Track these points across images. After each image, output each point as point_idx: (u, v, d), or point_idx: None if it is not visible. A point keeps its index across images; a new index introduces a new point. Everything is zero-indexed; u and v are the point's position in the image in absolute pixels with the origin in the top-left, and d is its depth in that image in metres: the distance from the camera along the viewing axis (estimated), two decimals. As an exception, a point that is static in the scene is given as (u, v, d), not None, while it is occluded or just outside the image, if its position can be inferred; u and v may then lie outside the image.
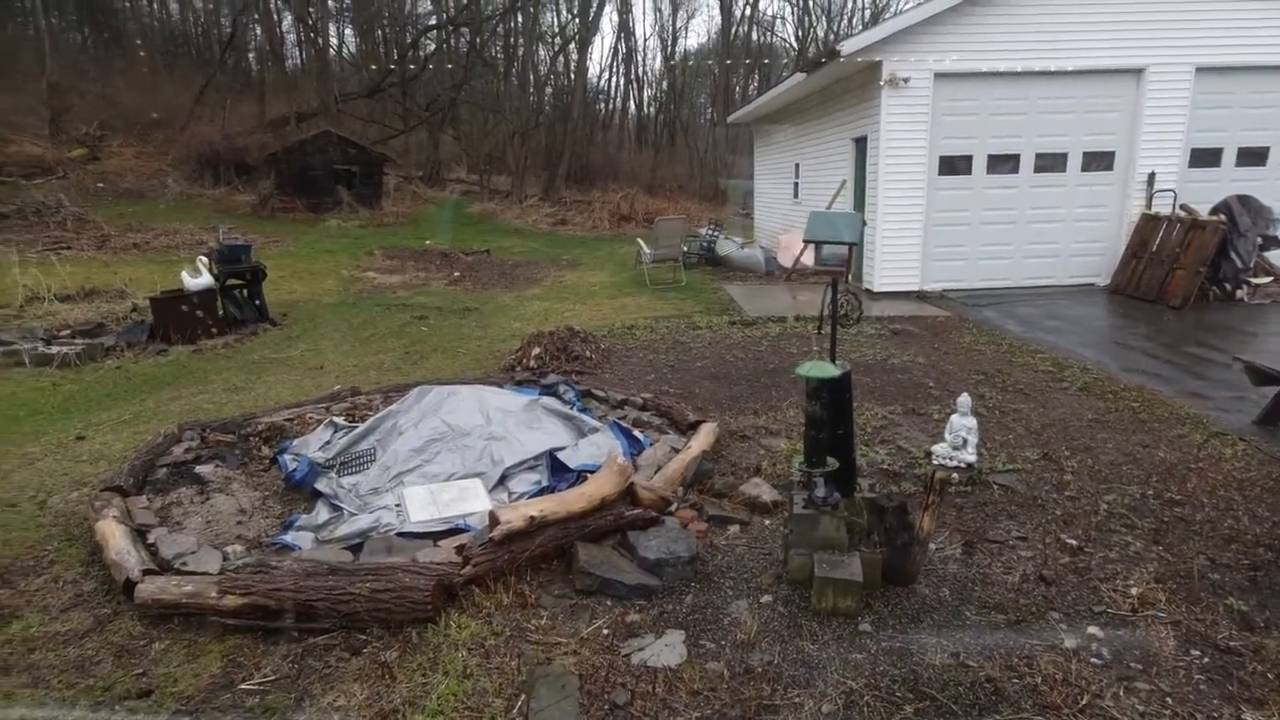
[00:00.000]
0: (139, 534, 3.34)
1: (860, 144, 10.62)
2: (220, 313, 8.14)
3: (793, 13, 37.37)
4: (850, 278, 3.15)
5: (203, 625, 2.80)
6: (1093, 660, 2.57)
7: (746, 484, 3.90)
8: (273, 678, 2.54)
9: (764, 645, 2.67)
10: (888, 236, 9.91)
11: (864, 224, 3.18)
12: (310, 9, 26.64)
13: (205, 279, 7.99)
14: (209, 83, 24.24)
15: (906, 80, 9.38)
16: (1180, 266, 8.84)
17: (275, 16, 28.76)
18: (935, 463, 4.10)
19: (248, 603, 2.76)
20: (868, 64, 9.55)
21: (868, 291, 10.01)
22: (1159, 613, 2.83)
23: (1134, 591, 2.96)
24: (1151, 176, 9.87)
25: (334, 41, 32.12)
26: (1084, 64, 9.54)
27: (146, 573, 2.97)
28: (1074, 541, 3.38)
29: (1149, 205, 9.88)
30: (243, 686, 2.50)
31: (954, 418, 4.11)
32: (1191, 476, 4.05)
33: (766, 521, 3.63)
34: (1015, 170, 9.97)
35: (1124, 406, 5.26)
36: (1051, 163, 9.97)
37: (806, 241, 3.08)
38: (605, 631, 2.76)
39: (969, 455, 4.06)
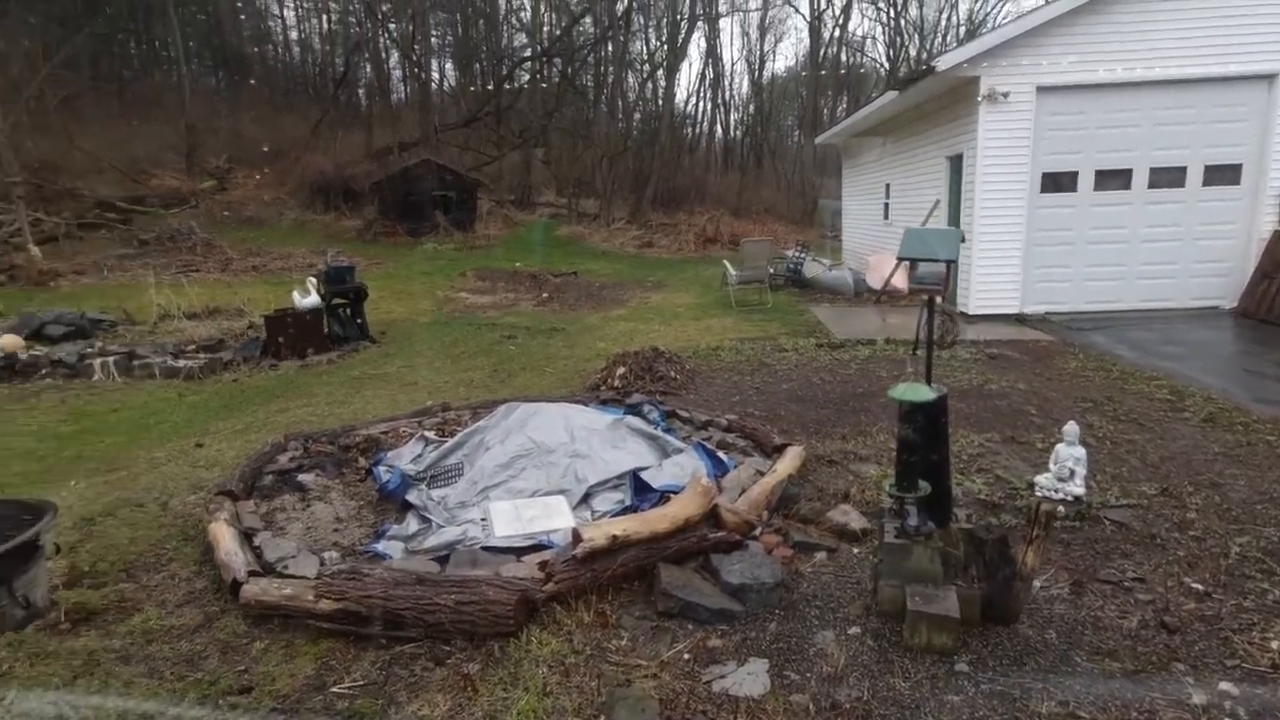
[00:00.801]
0: (246, 536, 3.54)
1: (955, 162, 10.26)
2: (325, 330, 8.62)
3: (884, 32, 36.67)
4: (945, 299, 3.02)
5: (299, 627, 2.93)
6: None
7: (834, 510, 3.77)
8: (362, 683, 2.62)
9: (852, 680, 2.55)
10: (985, 257, 9.49)
11: (963, 240, 3.04)
12: (415, 46, 28.21)
13: (313, 299, 8.50)
14: (323, 117, 26.01)
15: (1006, 95, 9.01)
16: (1322, 288, 8.05)
17: (384, 54, 30.64)
18: (1039, 494, 3.85)
19: (340, 608, 2.86)
20: (964, 79, 9.24)
21: (962, 314, 9.59)
22: (1304, 671, 2.53)
23: (1274, 645, 2.66)
24: (1286, 191, 9.07)
25: (435, 75, 33.88)
26: (1204, 71, 8.90)
27: (251, 574, 3.14)
28: (1200, 586, 3.08)
29: (1283, 222, 9.07)
30: (334, 689, 2.58)
31: (1060, 447, 3.85)
32: (1341, 520, 3.63)
33: (855, 550, 3.49)
34: (1127, 186, 9.37)
35: (1258, 440, 4.79)
36: (1168, 177, 9.31)
37: (901, 259, 2.98)
38: (686, 656, 2.71)
39: (1077, 487, 3.79)
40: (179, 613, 3.10)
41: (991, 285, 9.58)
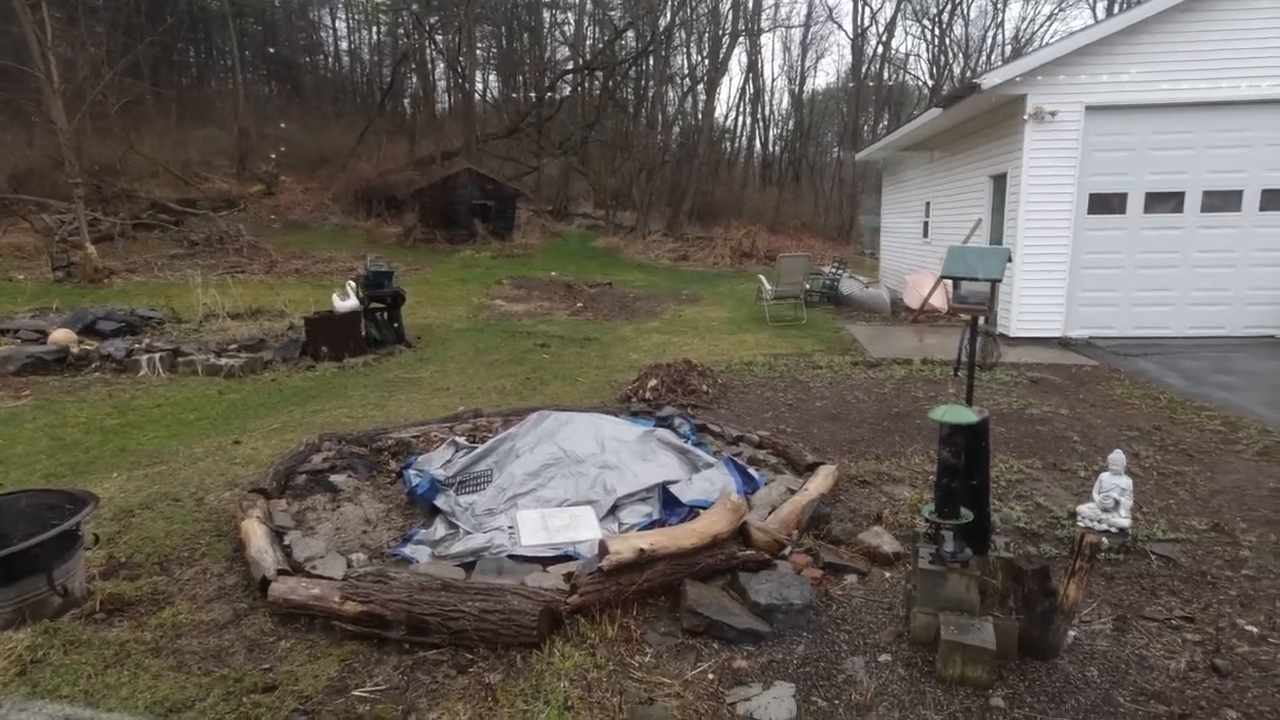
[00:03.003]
0: (277, 535, 3.58)
1: (999, 181, 10.07)
2: (363, 333, 8.74)
3: (928, 50, 36.34)
4: (986, 320, 2.93)
5: (325, 627, 2.94)
6: (1280, 772, 2.19)
7: (866, 532, 3.69)
8: (383, 687, 2.61)
9: (882, 709, 2.47)
10: (1028, 278, 9.27)
11: (1009, 260, 2.96)
12: (461, 58, 28.74)
13: (352, 302, 8.64)
14: (369, 125, 26.60)
15: (1053, 114, 8.84)
16: (1388, 320, 7.69)
17: (430, 65, 31.28)
18: (1082, 525, 3.72)
19: (365, 610, 2.87)
20: (1010, 97, 9.08)
21: (1003, 336, 9.38)
22: (1368, 724, 2.39)
23: (1334, 695, 2.52)
24: (1350, 218, 8.72)
25: (479, 86, 34.46)
26: (1262, 93, 8.63)
27: (280, 572, 3.17)
28: (1254, 629, 2.93)
29: (1346, 250, 8.72)
30: (355, 693, 2.58)
31: (1104, 476, 3.72)
32: None
33: (887, 574, 3.40)
34: (1179, 209, 9.10)
35: (1316, 477, 4.58)
36: (1223, 201, 9.02)
37: (944, 277, 2.91)
38: (710, 676, 2.66)
39: (1122, 519, 3.65)
40: (209, 608, 3.14)
41: (1034, 307, 9.35)
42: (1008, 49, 33.50)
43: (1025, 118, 8.89)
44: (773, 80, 51.01)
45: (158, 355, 7.70)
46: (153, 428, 5.85)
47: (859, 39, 33.85)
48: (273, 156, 23.39)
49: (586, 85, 30.95)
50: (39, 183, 17.94)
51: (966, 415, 2.67)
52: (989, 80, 8.91)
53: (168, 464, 4.96)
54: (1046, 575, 2.72)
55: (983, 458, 2.86)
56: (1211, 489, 4.41)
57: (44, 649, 2.76)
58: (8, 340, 8.25)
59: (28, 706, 2.45)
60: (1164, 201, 9.12)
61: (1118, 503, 3.66)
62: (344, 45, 39.37)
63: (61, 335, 8.11)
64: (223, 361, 7.72)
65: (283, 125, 26.71)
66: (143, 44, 22.02)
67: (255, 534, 3.46)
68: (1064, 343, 9.25)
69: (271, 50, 32.92)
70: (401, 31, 32.04)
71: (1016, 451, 5.10)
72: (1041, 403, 6.41)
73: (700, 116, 30.17)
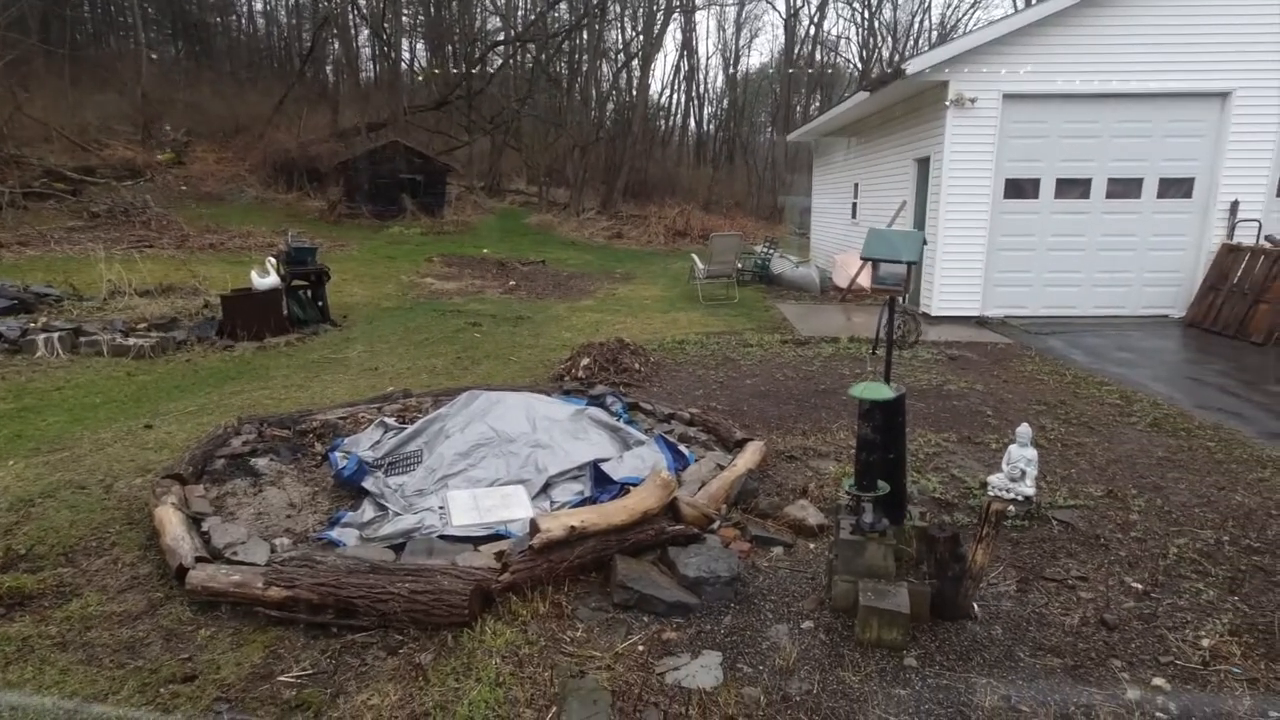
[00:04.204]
0: (194, 522, 3.44)
1: (923, 165, 10.41)
2: (285, 312, 8.41)
3: (858, 33, 37.10)
4: (907, 299, 3.06)
5: (248, 615, 2.86)
6: (1158, 715, 2.40)
7: (792, 505, 3.81)
8: (310, 672, 2.57)
9: (803, 673, 2.59)
10: (948, 259, 9.66)
11: (924, 243, 3.08)
12: (385, 24, 27.63)
13: (272, 279, 8.29)
14: (288, 93, 25.32)
15: (973, 100, 9.17)
16: (1264, 301, 8.36)
17: (352, 31, 29.96)
18: (991, 494, 3.94)
19: (291, 595, 2.81)
20: (933, 83, 9.37)
21: (925, 315, 9.76)
22: (1233, 668, 2.64)
23: (1205, 643, 2.77)
24: (1234, 206, 9.40)
25: (406, 55, 33.25)
26: (1163, 86, 9.17)
27: (198, 560, 3.06)
28: (1139, 585, 3.19)
29: (1231, 236, 9.40)
30: (281, 678, 2.53)
31: (1012, 448, 3.94)
32: (1272, 523, 3.78)
33: (811, 545, 3.53)
34: (1086, 195, 9.62)
35: (1198, 445, 4.97)
36: (1125, 188, 9.59)
37: (864, 259, 3.01)
38: (641, 648, 2.72)
39: (1027, 488, 3.88)
40: (121, 599, 3.01)
41: (954, 287, 9.76)
42: (934, 35, 34.48)
43: (947, 104, 9.20)
44: (707, 58, 51.12)
45: (56, 335, 7.22)
46: (53, 412, 5.51)
47: (792, 19, 34.20)
48: (171, 130, 21.99)
49: (518, 58, 30.30)
50: (-87, 146, 16.43)
51: (884, 392, 2.78)
52: (913, 66, 9.17)
53: (71, 450, 4.69)
54: (957, 541, 2.88)
55: (899, 432, 3.00)
56: (1108, 458, 4.74)
57: (-64, 647, 2.60)
58: (-116, 319, 7.59)
59: None
60: (1073, 187, 9.62)
61: (1024, 473, 3.89)
62: (258, 6, 37.29)
63: (-54, 313, 7.51)
64: (131, 342, 7.31)
65: (189, 90, 25.14)
66: (31, -3, 20.29)
67: (170, 521, 3.32)
68: (981, 321, 9.70)
69: (176, 9, 30.85)
70: (322, -7, 30.59)
71: (935, 426, 5.35)
72: (959, 379, 6.72)
73: (635, 93, 30.01)
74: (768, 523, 3.71)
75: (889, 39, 35.17)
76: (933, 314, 9.78)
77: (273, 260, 8.58)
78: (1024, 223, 9.68)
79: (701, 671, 2.58)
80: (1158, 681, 2.56)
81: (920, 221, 10.51)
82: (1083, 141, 9.45)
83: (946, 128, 9.30)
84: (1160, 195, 9.58)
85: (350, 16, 29.07)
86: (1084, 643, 2.79)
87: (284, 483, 4.13)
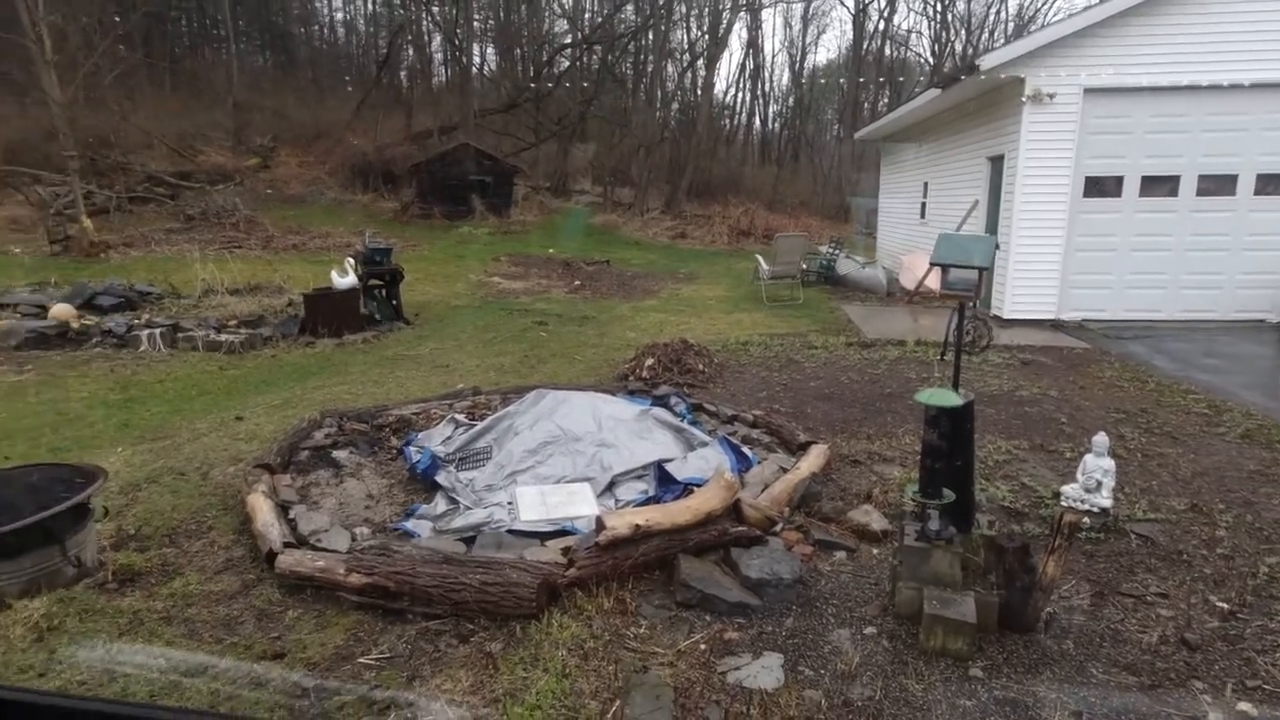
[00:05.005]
0: (282, 509, 3.67)
1: (996, 163, 10.09)
2: (362, 310, 8.79)
3: (930, 26, 36.06)
4: (978, 303, 3.01)
5: (331, 599, 3.04)
6: (1241, 739, 2.31)
7: (856, 510, 3.80)
8: (388, 655, 2.72)
9: (865, 679, 2.59)
10: (1022, 261, 9.33)
11: (997, 248, 3.02)
12: (458, 30, 28.40)
13: (350, 279, 8.67)
14: (365, 99, 26.31)
15: (1052, 96, 8.84)
16: (1376, 305, 7.79)
17: (426, 37, 30.90)
18: (1064, 504, 3.83)
19: (370, 582, 2.97)
20: (1009, 79, 9.07)
21: (996, 318, 9.46)
22: (1327, 695, 2.51)
23: (1296, 668, 2.64)
24: (1343, 203, 8.78)
25: (476, 59, 34.07)
26: (1261, 77, 8.63)
27: (286, 545, 3.26)
28: (1225, 605, 3.05)
29: (1338, 235, 8.79)
30: (361, 660, 2.69)
31: (1088, 457, 3.82)
32: (1377, 545, 3.56)
33: (875, 550, 3.51)
34: (1174, 193, 9.14)
35: (1296, 459, 4.70)
36: (1218, 185, 9.06)
37: (934, 264, 2.98)
38: (703, 646, 2.77)
39: (1104, 499, 3.76)
40: (217, 579, 3.23)
41: (1028, 290, 9.42)
42: (1010, 26, 33.21)
43: (1024, 99, 8.90)
44: (773, 56, 50.60)
45: (158, 331, 7.75)
46: (155, 403, 5.92)
47: (860, 14, 33.53)
48: (258, 136, 23.15)
49: (585, 60, 30.65)
50: (32, 155, 17.78)
51: (951, 399, 2.76)
52: (988, 61, 8.90)
53: (171, 439, 5.04)
54: (1027, 552, 2.82)
55: (967, 440, 2.96)
56: (1193, 470, 4.52)
57: (60, 617, 2.86)
58: (8, 315, 8.28)
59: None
60: (1159, 185, 9.15)
61: (1100, 483, 3.77)
62: (339, 16, 38.88)
63: (61, 310, 8.15)
64: (223, 338, 7.78)
65: (275, 98, 26.42)
66: (135, 14, 21.70)
67: (261, 508, 3.55)
68: (1056, 325, 9.34)
69: (264, 21, 32.43)
70: (398, 2, 31.63)
71: (1005, 432, 5.21)
72: (1032, 385, 6.51)
73: (699, 92, 29.96)
74: (831, 527, 3.70)
75: (962, 32, 34.08)
76: (1004, 317, 9.47)
77: (351, 261, 8.97)
78: (1105, 222, 9.27)
79: (763, 672, 2.61)
80: (1243, 706, 2.46)
81: (993, 222, 10.19)
82: (1170, 137, 8.98)
83: (1023, 124, 8.99)
84: (1258, 192, 9.02)
85: (424, 24, 29.99)
86: (1163, 662, 2.70)
87: (363, 474, 4.34)
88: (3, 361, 7.01)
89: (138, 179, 19.01)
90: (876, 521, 3.66)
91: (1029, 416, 5.61)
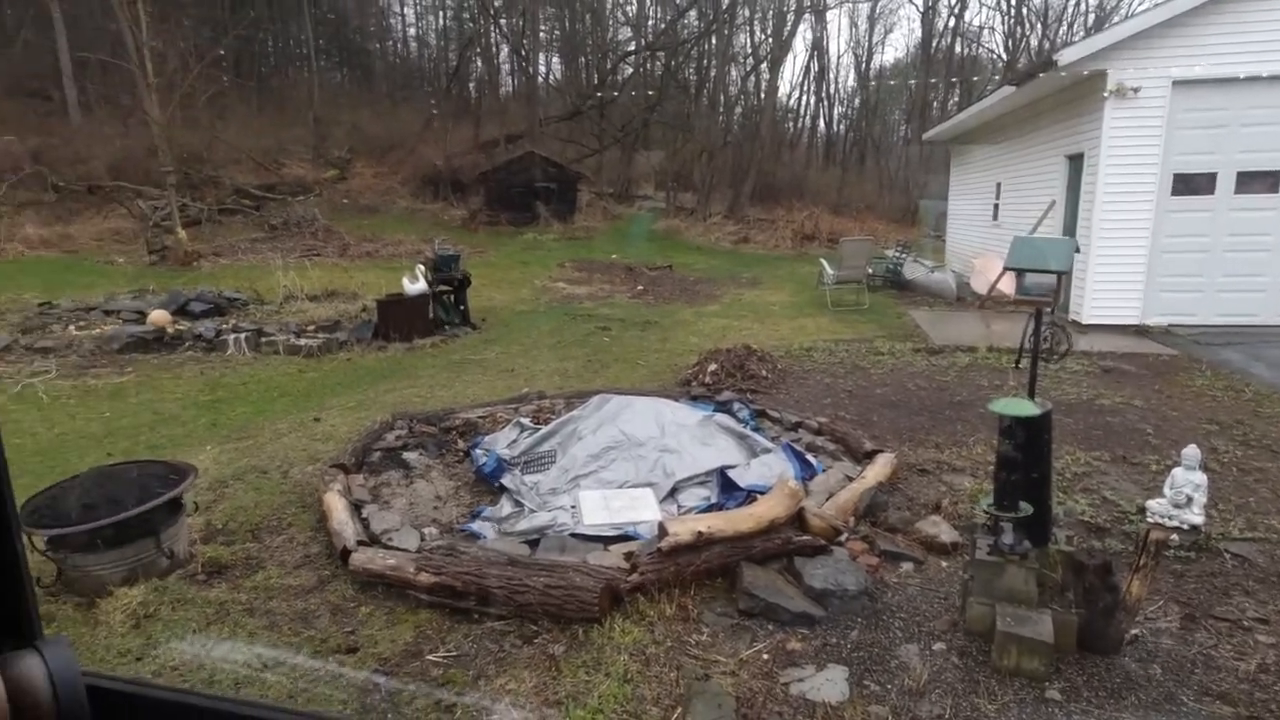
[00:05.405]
0: (355, 508, 3.82)
1: (1075, 161, 9.66)
2: (431, 315, 9.06)
3: (1003, 21, 34.72)
4: (1055, 309, 2.89)
5: (400, 596, 3.14)
6: (1350, 778, 2.15)
7: (924, 521, 3.69)
8: (455, 654, 2.79)
9: (934, 696, 2.52)
10: (1103, 263, 8.90)
11: (1077, 250, 2.90)
12: (525, 41, 28.99)
13: (421, 285, 8.95)
14: (436, 110, 27.13)
15: (1136, 90, 8.42)
16: None
17: (494, 49, 31.67)
18: (1150, 520, 3.63)
19: (438, 581, 3.06)
20: (1090, 74, 8.68)
21: (1075, 323, 9.05)
22: None
23: None
24: None
25: (542, 69, 34.72)
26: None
27: (359, 543, 3.39)
28: (1332, 633, 2.84)
29: None
30: (429, 657, 2.77)
31: (1177, 471, 3.61)
32: None
33: (944, 563, 3.41)
34: (1273, 189, 8.56)
35: None
36: (1326, 181, 8.45)
37: (1008, 269, 2.88)
38: (765, 656, 2.74)
39: (1194, 516, 3.55)
40: (296, 573, 3.39)
41: (1109, 293, 8.99)
42: (1090, 18, 31.73)
43: (1105, 95, 8.50)
44: (838, 57, 49.63)
45: (243, 335, 8.17)
46: (240, 404, 6.24)
47: (930, 11, 32.65)
48: (336, 149, 24.15)
49: (648, 66, 30.81)
50: (134, 171, 19.01)
51: (1027, 408, 2.66)
52: (1066, 56, 8.54)
53: (255, 438, 5.30)
54: (1109, 570, 2.69)
55: (1044, 451, 2.84)
56: (1296, 487, 4.23)
57: (154, 605, 3.05)
58: (112, 321, 8.88)
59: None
60: (1257, 181, 8.59)
61: (1190, 499, 3.56)
62: (411, 32, 40.21)
63: (158, 316, 8.68)
64: (302, 342, 8.14)
65: (352, 112, 27.51)
66: (228, 37, 22.97)
67: (336, 507, 3.70)
68: (1141, 330, 8.87)
69: (342, 39, 33.84)
70: (467, 16, 32.53)
71: (1085, 443, 4.98)
72: (1114, 393, 6.20)
73: (763, 96, 29.66)
74: (897, 538, 3.61)
75: (1038, 26, 32.72)
76: (1084, 321, 9.05)
77: (422, 267, 9.25)
78: (1195, 221, 8.76)
79: (826, 685, 2.57)
80: (1352, 742, 2.29)
81: (1071, 222, 9.76)
82: (1270, 129, 8.42)
83: (1104, 120, 8.59)
84: (1370, 188, 8.37)
85: (493, 36, 30.74)
86: (1262, 692, 2.53)
87: (431, 476, 4.47)
88: (107, 364, 7.51)
89: (226, 192, 20.10)
90: (945, 533, 3.56)
91: (1110, 427, 5.35)
